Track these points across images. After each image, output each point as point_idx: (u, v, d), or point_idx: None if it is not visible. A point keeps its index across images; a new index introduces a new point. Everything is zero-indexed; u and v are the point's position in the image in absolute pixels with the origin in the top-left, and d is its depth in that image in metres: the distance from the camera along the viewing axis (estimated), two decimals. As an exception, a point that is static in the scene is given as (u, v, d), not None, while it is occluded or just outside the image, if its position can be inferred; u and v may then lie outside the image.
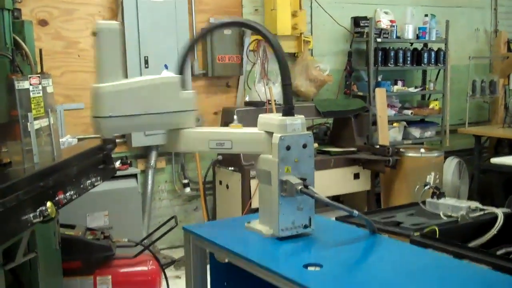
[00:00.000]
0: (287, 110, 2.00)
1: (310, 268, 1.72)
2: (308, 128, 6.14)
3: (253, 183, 4.85)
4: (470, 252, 2.06)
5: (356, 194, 5.72)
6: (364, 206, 5.72)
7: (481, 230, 2.47)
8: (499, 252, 2.20)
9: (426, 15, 6.65)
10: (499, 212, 2.52)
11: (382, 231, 2.24)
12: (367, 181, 5.61)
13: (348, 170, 5.47)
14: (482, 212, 2.64)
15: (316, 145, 5.45)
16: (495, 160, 4.57)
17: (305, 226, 2.02)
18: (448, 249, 2.10)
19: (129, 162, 5.06)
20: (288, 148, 1.95)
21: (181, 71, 2.16)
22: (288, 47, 5.90)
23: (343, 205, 1.99)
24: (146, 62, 5.12)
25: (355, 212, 1.96)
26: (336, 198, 5.73)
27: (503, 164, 4.44)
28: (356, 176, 5.54)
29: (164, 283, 3.57)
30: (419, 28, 6.61)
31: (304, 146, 1.99)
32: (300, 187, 1.92)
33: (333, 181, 5.34)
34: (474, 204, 2.70)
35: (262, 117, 2.07)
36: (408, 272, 1.71)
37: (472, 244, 2.30)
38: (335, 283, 1.64)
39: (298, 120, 2.00)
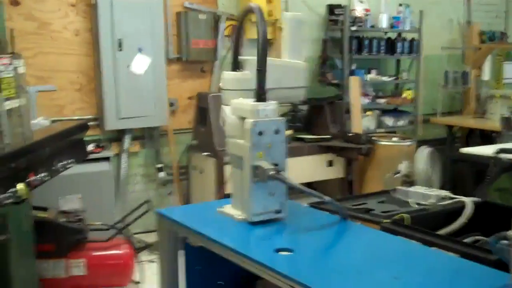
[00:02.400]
0: (259, 95, 2.00)
1: (281, 253, 1.74)
2: (283, 115, 6.19)
3: (227, 169, 4.86)
4: (439, 240, 2.09)
5: (330, 181, 5.77)
6: (338, 193, 5.78)
7: (451, 219, 2.51)
8: (467, 240, 2.24)
9: (400, 5, 6.70)
10: (468, 200, 2.57)
11: (353, 217, 2.28)
12: (340, 169, 5.66)
13: (322, 157, 5.51)
14: (451, 201, 2.68)
15: (290, 132, 5.48)
16: (465, 150, 4.64)
17: (277, 212, 2.03)
18: (417, 236, 2.13)
19: (102, 145, 5.03)
20: (260, 133, 1.95)
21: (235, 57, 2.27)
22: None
23: (316, 191, 2.01)
24: (120, 44, 5.07)
25: (327, 198, 1.98)
26: (309, 184, 5.77)
27: (473, 154, 4.51)
28: (330, 163, 5.59)
29: (137, 267, 3.58)
30: (393, 18, 6.66)
31: (277, 131, 1.99)
32: (272, 173, 1.93)
33: (307, 168, 5.37)
34: (444, 192, 2.74)
35: (234, 102, 2.07)
36: (378, 258, 1.73)
37: (441, 232, 2.34)
38: (306, 268, 1.66)
39: (271, 106, 2.00)
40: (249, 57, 2.22)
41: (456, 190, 3.09)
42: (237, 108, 2.05)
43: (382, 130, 6.51)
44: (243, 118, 2.00)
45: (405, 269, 1.62)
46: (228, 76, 2.19)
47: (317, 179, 5.64)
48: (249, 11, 2.18)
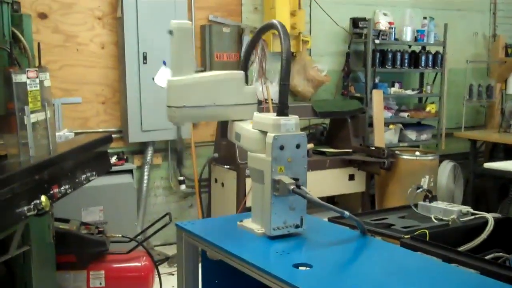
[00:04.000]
0: (281, 109, 2.01)
1: (300, 268, 1.74)
2: (305, 128, 6.22)
3: (248, 182, 4.86)
4: (459, 256, 2.07)
5: (351, 196, 5.74)
6: (359, 207, 5.74)
7: (472, 235, 2.49)
8: (488, 257, 2.21)
9: (425, 18, 6.67)
10: (490, 216, 2.54)
11: (373, 232, 2.27)
12: (362, 183, 5.62)
13: (343, 171, 5.48)
14: (473, 217, 2.66)
15: (312, 145, 5.47)
16: (488, 165, 4.58)
17: (297, 226, 2.03)
18: (437, 252, 2.11)
19: (125, 157, 5.08)
20: (281, 147, 1.97)
21: (245, 68, 2.30)
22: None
23: (337, 206, 2.00)
24: (145, 58, 5.13)
25: (346, 213, 1.98)
26: (331, 199, 5.76)
27: (497, 169, 4.46)
28: (351, 177, 5.56)
29: (157, 279, 3.60)
30: (418, 31, 6.63)
31: (298, 146, 2.00)
32: (292, 187, 1.94)
33: (328, 182, 5.35)
34: (466, 208, 2.71)
35: (257, 116, 2.09)
36: (397, 273, 1.73)
37: (462, 248, 2.32)
38: (324, 283, 1.66)
39: (292, 120, 2.01)
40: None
41: (479, 205, 3.06)
42: (259, 122, 2.07)
43: (405, 144, 6.46)
44: (264, 132, 2.02)
45: (423, 285, 1.61)
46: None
47: (338, 193, 5.62)
48: (270, 27, 2.20)
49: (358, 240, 2.03)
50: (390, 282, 1.64)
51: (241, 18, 5.85)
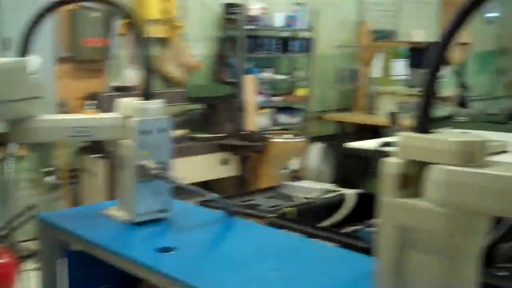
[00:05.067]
0: (146, 94, 1.96)
1: (165, 253, 1.72)
2: (182, 114, 6.17)
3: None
4: (320, 232, 2.16)
5: (226, 180, 5.79)
6: (233, 191, 5.81)
7: (335, 210, 2.59)
8: (347, 230, 2.31)
9: (296, 4, 6.84)
10: (350, 192, 2.66)
11: (239, 213, 2.29)
12: (235, 167, 5.70)
13: (216, 156, 5.52)
14: (336, 194, 2.77)
15: (184, 131, 5.45)
16: (350, 145, 4.81)
17: (162, 211, 2.01)
18: (301, 229, 2.18)
19: (-16, 150, 4.76)
20: (145, 132, 1.92)
21: (23, 52, 2.01)
22: (158, 31, 5.82)
23: (212, 191, 2.00)
24: (8, 43, 4.82)
25: (210, 195, 1.98)
26: (205, 183, 5.77)
27: (359, 148, 4.68)
28: (225, 162, 5.61)
29: (22, 276, 3.42)
30: (289, 17, 6.78)
31: (163, 130, 1.97)
32: (156, 172, 1.91)
33: (201, 167, 5.37)
34: (329, 186, 2.83)
35: (120, 102, 2.03)
36: (261, 252, 1.76)
37: (324, 223, 2.41)
38: (188, 265, 1.65)
39: (157, 105, 1.97)
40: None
41: (346, 183, 3.19)
42: (123, 107, 2.01)
43: (278, 127, 6.62)
44: (128, 117, 1.96)
45: (284, 262, 1.66)
46: None
47: (212, 178, 5.65)
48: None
49: (224, 222, 2.04)
50: (253, 260, 1.67)
51: (109, 3, 5.66)
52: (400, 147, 1.18)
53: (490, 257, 1.91)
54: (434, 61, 1.16)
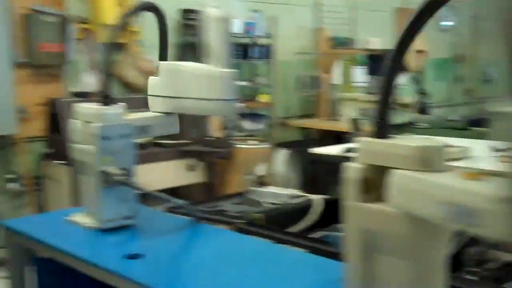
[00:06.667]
0: (106, 99, 1.96)
1: (132, 259, 1.72)
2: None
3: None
4: (288, 237, 2.18)
5: (194, 186, 5.77)
6: (201, 197, 5.80)
7: (302, 216, 2.62)
8: (315, 235, 2.35)
9: (253, 11, 6.89)
10: (316, 198, 2.70)
11: (207, 219, 2.30)
12: (202, 173, 5.69)
13: (182, 162, 5.50)
14: (302, 199, 2.81)
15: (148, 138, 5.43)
16: (315, 151, 4.87)
17: (128, 217, 2.01)
18: (270, 234, 2.20)
19: None
20: (107, 138, 1.92)
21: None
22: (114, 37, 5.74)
23: (180, 198, 2.01)
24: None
25: (178, 201, 2.00)
26: (172, 190, 5.74)
27: (324, 154, 4.75)
28: (192, 168, 5.60)
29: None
30: (247, 23, 6.83)
31: (125, 136, 1.97)
32: (120, 178, 1.91)
33: (167, 174, 5.35)
34: (295, 191, 2.86)
35: (79, 107, 2.02)
36: (230, 258, 1.78)
37: (293, 229, 2.44)
38: (156, 272, 1.66)
39: (118, 110, 1.98)
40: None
41: (313, 189, 3.22)
42: (82, 112, 2.00)
43: (242, 134, 6.65)
44: (88, 123, 1.96)
45: (253, 267, 1.68)
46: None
47: (179, 184, 5.62)
48: (144, 8, 2.16)
49: (191, 228, 2.05)
50: (222, 266, 1.69)
51: (65, 8, 5.59)
52: (360, 152, 1.21)
53: (458, 261, 1.96)
54: (389, 68, 1.20)
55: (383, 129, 1.17)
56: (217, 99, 2.04)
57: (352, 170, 1.19)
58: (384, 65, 1.20)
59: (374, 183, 1.17)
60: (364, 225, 1.18)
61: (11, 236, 2.08)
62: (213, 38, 2.12)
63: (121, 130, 1.96)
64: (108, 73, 1.95)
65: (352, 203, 1.19)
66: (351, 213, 1.20)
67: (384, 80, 1.20)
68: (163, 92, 2.09)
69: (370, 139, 1.17)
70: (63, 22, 5.45)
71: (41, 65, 5.37)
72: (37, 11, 5.35)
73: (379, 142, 1.16)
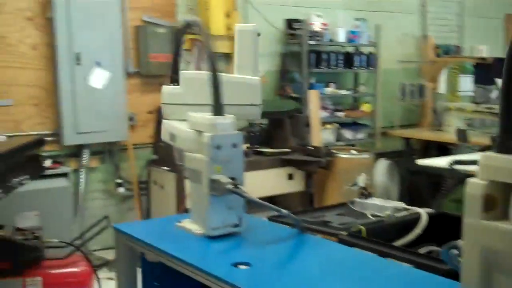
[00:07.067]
0: (217, 109, 2.00)
1: (239, 267, 1.74)
2: (243, 129, 6.22)
3: (188, 183, 4.83)
4: (394, 251, 2.13)
5: (291, 195, 5.79)
6: (298, 206, 5.80)
7: (406, 230, 2.56)
8: (421, 251, 2.28)
9: (357, 19, 6.82)
10: (423, 211, 2.62)
11: (310, 230, 2.30)
12: (301, 182, 5.69)
13: (282, 170, 5.53)
14: (407, 212, 2.73)
15: (247, 145, 5.50)
16: (420, 162, 4.73)
17: (235, 225, 2.04)
18: (373, 247, 2.16)
19: (60, 161, 4.96)
20: (218, 147, 1.96)
21: (175, 70, 2.29)
22: (222, 47, 5.91)
23: (278, 205, 2.02)
24: (78, 59, 5.03)
25: (283, 211, 2.00)
26: (270, 198, 5.78)
27: (429, 166, 4.60)
28: (290, 176, 5.61)
29: (96, 284, 3.53)
30: (351, 32, 6.78)
31: (234, 145, 2.00)
32: (229, 186, 1.94)
33: (267, 182, 5.39)
34: (400, 204, 2.79)
35: (192, 116, 2.07)
36: (334, 270, 1.76)
37: (397, 243, 2.38)
38: (263, 281, 1.67)
39: (228, 120, 2.01)
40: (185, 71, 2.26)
41: (414, 201, 3.13)
42: (194, 122, 2.06)
43: (342, 143, 6.59)
44: (200, 132, 2.01)
45: (359, 280, 1.65)
46: (166, 90, 2.22)
47: (278, 193, 5.65)
48: (188, 26, 2.23)
49: (296, 238, 2.05)
50: (328, 278, 1.67)
51: (175, 19, 5.81)
52: (482, 167, 1.15)
53: None
54: (508, 76, 1.11)
55: (507, 144, 1.11)
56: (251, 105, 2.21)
57: (474, 186, 1.13)
58: (503, 73, 1.13)
59: (497, 200, 1.11)
60: (485, 244, 1.12)
61: (121, 239, 2.17)
62: (244, 50, 2.22)
63: (232, 139, 1.99)
64: (217, 83, 1.98)
65: (473, 220, 1.13)
66: (471, 231, 1.15)
67: (505, 89, 1.12)
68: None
69: (493, 154, 1.12)
70: (174, 33, 5.67)
71: (152, 75, 5.60)
72: (148, 22, 5.60)
73: (503, 157, 1.10)
